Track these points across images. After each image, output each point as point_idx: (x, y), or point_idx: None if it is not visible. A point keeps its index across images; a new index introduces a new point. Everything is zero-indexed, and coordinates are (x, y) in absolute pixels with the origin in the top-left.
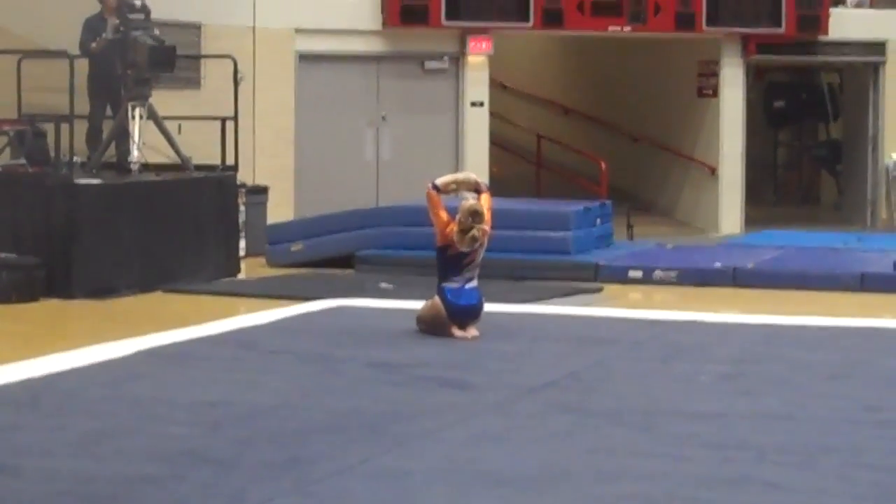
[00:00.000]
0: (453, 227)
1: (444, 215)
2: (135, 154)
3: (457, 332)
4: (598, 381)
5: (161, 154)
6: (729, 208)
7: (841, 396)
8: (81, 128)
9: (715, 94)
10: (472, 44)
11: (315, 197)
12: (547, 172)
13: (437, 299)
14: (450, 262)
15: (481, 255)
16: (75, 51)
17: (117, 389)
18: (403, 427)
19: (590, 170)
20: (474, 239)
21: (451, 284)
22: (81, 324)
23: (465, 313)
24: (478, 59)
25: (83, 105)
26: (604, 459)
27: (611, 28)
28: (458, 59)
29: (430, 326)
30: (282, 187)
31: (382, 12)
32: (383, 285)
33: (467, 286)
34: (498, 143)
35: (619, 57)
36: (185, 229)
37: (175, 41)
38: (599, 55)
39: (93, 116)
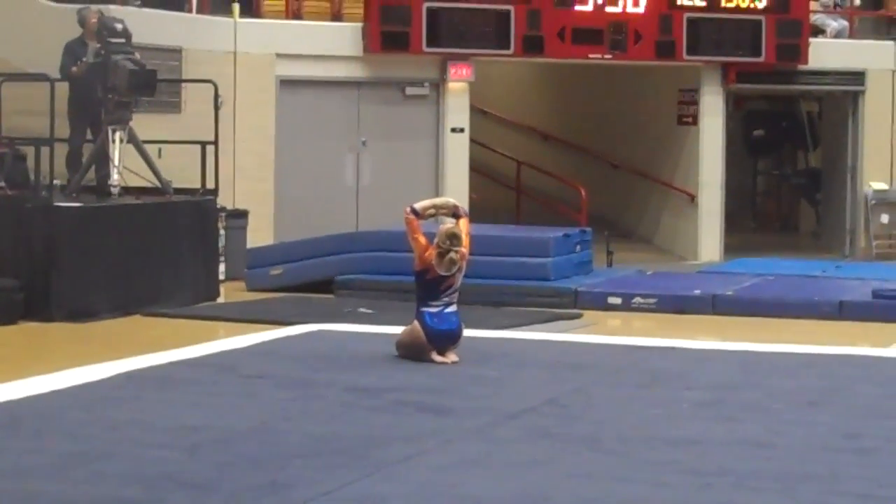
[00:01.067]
0: (432, 252)
1: (422, 239)
2: (115, 178)
3: (436, 357)
4: (577, 407)
5: (141, 178)
6: (708, 236)
7: (819, 423)
8: (61, 151)
9: (695, 121)
10: (452, 70)
11: (295, 221)
12: (527, 199)
13: (416, 324)
14: (429, 286)
15: (460, 279)
16: (56, 74)
17: (96, 412)
18: (382, 452)
19: (570, 196)
20: (452, 262)
21: (431, 309)
22: (60, 347)
23: (445, 338)
24: (458, 85)
25: (63, 128)
26: (583, 485)
27: (591, 56)
28: (438, 86)
29: (410, 351)
30: (262, 212)
31: (364, 38)
32: (362, 310)
33: (447, 310)
34: (478, 170)
35: (600, 84)
36: (164, 253)
37: (156, 65)
38: (580, 83)
39: (73, 140)
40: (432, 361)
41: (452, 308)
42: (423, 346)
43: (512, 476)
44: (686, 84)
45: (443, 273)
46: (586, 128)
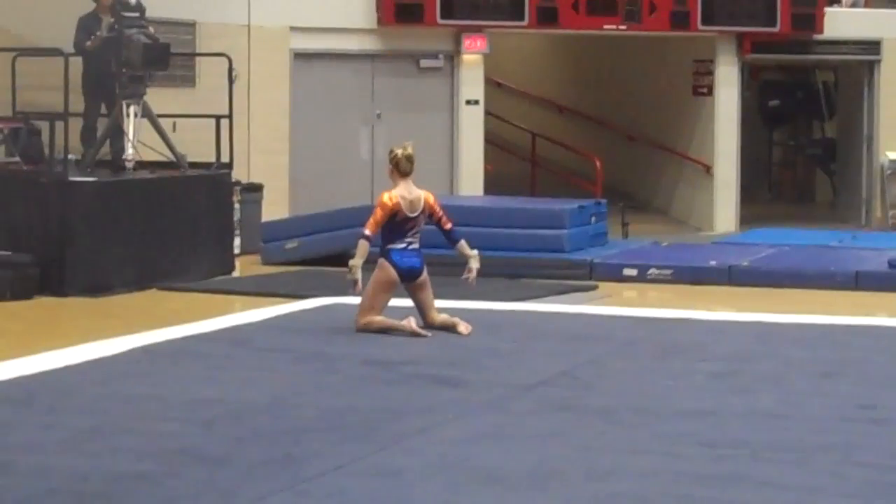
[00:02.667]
0: (393, 198)
1: (380, 213)
2: (129, 152)
3: (413, 326)
4: (592, 378)
5: (156, 152)
6: (724, 206)
7: (835, 394)
8: (76, 126)
9: (710, 92)
10: (466, 42)
11: (310, 195)
12: (542, 171)
13: (379, 269)
14: (396, 227)
15: (423, 221)
16: (70, 49)
17: (111, 387)
18: (397, 425)
19: (585, 168)
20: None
21: (396, 246)
22: (75, 321)
23: (409, 273)
24: (473, 57)
25: (78, 103)
26: (597, 457)
27: (606, 27)
28: (452, 58)
29: (377, 298)
30: (277, 185)
31: (377, 10)
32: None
33: (409, 248)
34: (493, 142)
35: (615, 55)
36: (179, 227)
37: (170, 39)
38: (594, 54)
39: (87, 114)
40: (403, 331)
41: (415, 247)
42: (391, 284)
43: (526, 448)
44: (701, 55)
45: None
46: (601, 99)
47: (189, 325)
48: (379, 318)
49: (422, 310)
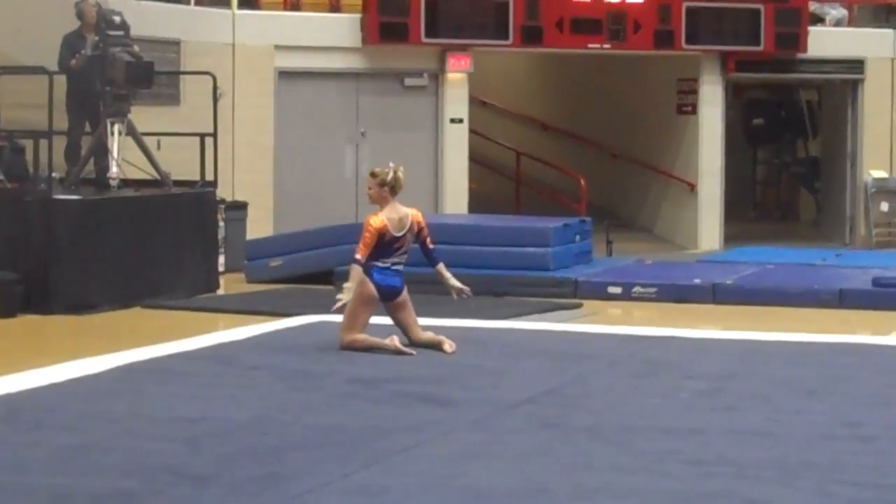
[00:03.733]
0: (379, 220)
1: (369, 236)
2: (114, 170)
3: (397, 344)
4: (577, 397)
5: (140, 170)
6: (708, 225)
7: (820, 412)
8: (60, 144)
9: (694, 111)
10: (451, 61)
11: (294, 213)
12: (526, 189)
13: (358, 291)
14: (384, 246)
15: (410, 241)
16: (54, 67)
17: (95, 405)
18: (382, 443)
19: (569, 186)
20: (397, 180)
21: (379, 265)
22: (59, 339)
23: (388, 292)
24: (457, 76)
25: (62, 121)
26: (583, 475)
27: (590, 46)
28: (437, 77)
29: (355, 316)
30: (261, 203)
31: (362, 29)
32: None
33: (392, 268)
34: (477, 160)
35: (599, 74)
36: (163, 245)
37: (155, 58)
38: (579, 72)
39: (71, 132)
40: (387, 349)
41: (399, 268)
42: (371, 299)
43: (512, 466)
44: (685, 73)
45: (395, 229)
46: (586, 118)
47: (173, 344)
48: (363, 337)
49: (404, 329)
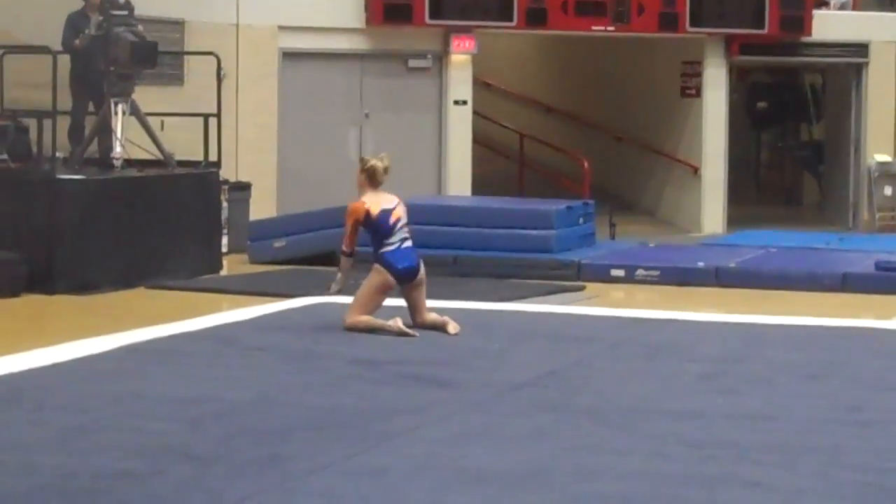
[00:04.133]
0: (357, 202)
1: (351, 223)
2: (117, 150)
3: (401, 325)
4: (579, 379)
5: (144, 150)
6: (711, 208)
7: (822, 396)
8: (64, 124)
9: (698, 94)
10: (455, 42)
11: (298, 194)
12: (530, 171)
13: (372, 275)
14: (379, 228)
15: (406, 215)
16: (58, 47)
17: (98, 385)
18: (384, 424)
19: (573, 169)
20: (384, 169)
21: (389, 248)
22: (63, 320)
23: (409, 274)
24: (461, 57)
25: (66, 101)
26: (584, 457)
27: (594, 28)
28: (441, 58)
29: (370, 306)
30: (264, 184)
31: (366, 10)
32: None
33: (403, 246)
34: (481, 142)
35: (603, 57)
36: (167, 226)
37: (158, 38)
38: (583, 55)
39: (75, 112)
40: (390, 331)
41: (409, 244)
42: (387, 287)
43: (513, 448)
44: (689, 56)
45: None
46: (589, 100)
47: (176, 324)
48: (366, 318)
49: (413, 310)
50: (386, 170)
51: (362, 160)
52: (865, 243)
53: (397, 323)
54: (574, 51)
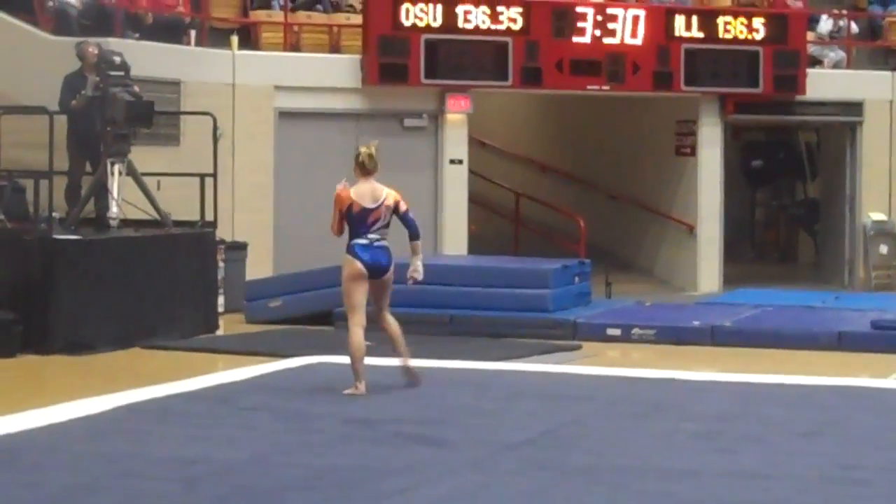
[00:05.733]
0: (343, 190)
1: (335, 209)
2: (114, 210)
3: (359, 390)
4: (575, 438)
5: (140, 210)
6: (707, 266)
7: (817, 454)
8: (61, 184)
9: (693, 152)
10: (451, 102)
11: (294, 253)
12: (525, 230)
13: (343, 272)
14: (358, 221)
15: (388, 216)
16: (55, 107)
17: (94, 445)
18: (380, 484)
19: (568, 228)
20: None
21: (361, 241)
22: (59, 380)
23: (375, 269)
24: (457, 117)
25: (62, 161)
26: None
27: (589, 87)
28: (437, 117)
29: (355, 304)
30: (261, 244)
31: (362, 70)
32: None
33: (376, 244)
34: (477, 201)
35: (598, 116)
36: (163, 285)
37: (155, 98)
38: (578, 114)
39: (72, 172)
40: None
41: (383, 244)
42: (360, 275)
43: None
44: (684, 115)
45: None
46: (585, 159)
47: (172, 384)
48: (360, 353)
49: (376, 306)
50: (370, 157)
51: (357, 151)
52: (861, 302)
53: (359, 389)
54: (569, 110)
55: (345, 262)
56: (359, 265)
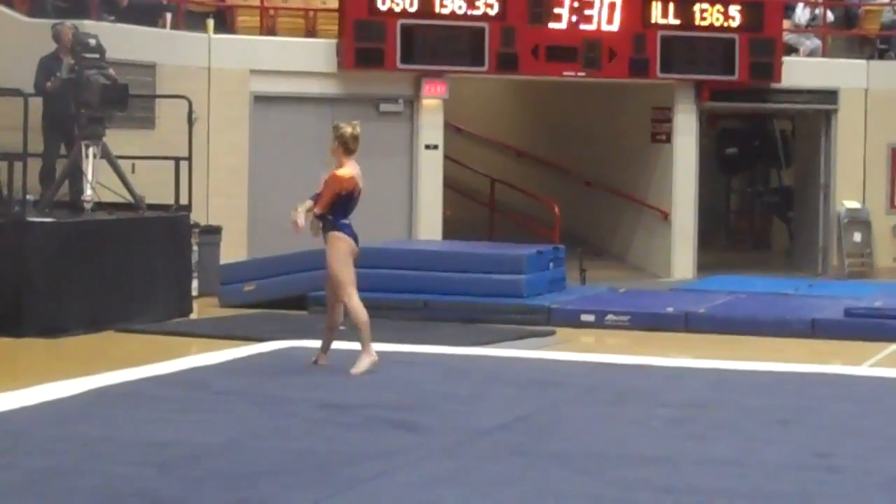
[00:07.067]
0: (348, 171)
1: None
2: (88, 193)
3: (321, 361)
4: (548, 424)
5: (114, 193)
6: (681, 253)
7: (790, 442)
8: (35, 166)
9: (668, 139)
10: (426, 87)
11: (268, 238)
12: (500, 216)
13: (339, 241)
14: (348, 204)
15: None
16: (30, 89)
17: (66, 429)
18: (354, 469)
19: (543, 214)
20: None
21: (347, 221)
22: (32, 363)
23: (356, 247)
24: (432, 102)
25: (37, 143)
26: (554, 503)
27: (565, 73)
28: (412, 103)
29: (347, 267)
30: (235, 228)
31: (338, 55)
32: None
33: (351, 224)
34: (452, 186)
35: (574, 102)
36: (137, 269)
37: (130, 81)
38: (554, 100)
39: (47, 155)
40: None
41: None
42: (354, 252)
43: (483, 493)
44: (660, 102)
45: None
46: (560, 145)
47: (146, 368)
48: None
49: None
50: (355, 137)
51: (335, 127)
52: (835, 289)
53: (322, 359)
54: (545, 96)
55: (339, 241)
56: (353, 243)
